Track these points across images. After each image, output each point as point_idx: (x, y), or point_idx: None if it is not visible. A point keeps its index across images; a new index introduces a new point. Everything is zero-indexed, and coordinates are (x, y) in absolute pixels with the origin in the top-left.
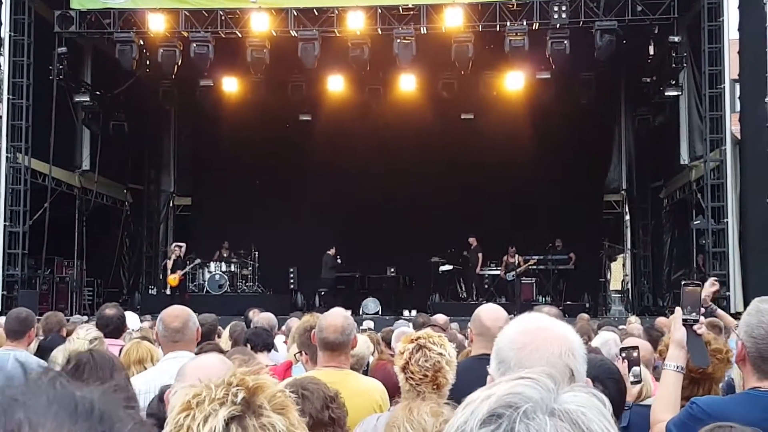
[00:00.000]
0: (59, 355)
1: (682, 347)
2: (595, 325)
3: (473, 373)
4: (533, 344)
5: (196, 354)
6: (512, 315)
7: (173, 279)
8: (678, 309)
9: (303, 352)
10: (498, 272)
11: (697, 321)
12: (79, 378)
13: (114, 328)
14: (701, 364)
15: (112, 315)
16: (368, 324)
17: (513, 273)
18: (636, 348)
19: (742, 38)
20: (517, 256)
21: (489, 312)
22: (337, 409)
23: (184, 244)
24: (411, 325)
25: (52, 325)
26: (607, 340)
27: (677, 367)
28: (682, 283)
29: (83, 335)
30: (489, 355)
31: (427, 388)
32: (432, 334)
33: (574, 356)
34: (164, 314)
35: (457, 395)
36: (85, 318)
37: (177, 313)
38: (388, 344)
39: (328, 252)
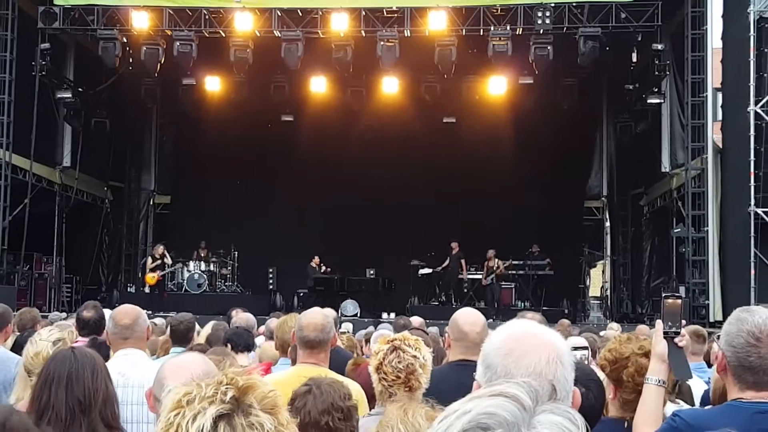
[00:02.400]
0: (25, 357)
1: (664, 361)
2: (576, 332)
3: (449, 379)
4: (520, 350)
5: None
6: (491, 320)
7: (151, 278)
8: (659, 322)
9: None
10: (478, 276)
11: (678, 333)
12: (61, 379)
13: (91, 331)
14: (683, 377)
15: (89, 317)
16: (347, 326)
17: (492, 276)
18: (679, 296)
19: (726, 47)
20: (496, 259)
21: (466, 316)
22: (339, 421)
23: (163, 246)
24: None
25: (26, 321)
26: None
27: (658, 381)
28: (663, 295)
29: (46, 336)
30: (466, 360)
31: (399, 389)
32: (408, 336)
33: (562, 363)
34: (115, 312)
35: (436, 400)
36: (64, 315)
37: (127, 310)
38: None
39: (311, 264)
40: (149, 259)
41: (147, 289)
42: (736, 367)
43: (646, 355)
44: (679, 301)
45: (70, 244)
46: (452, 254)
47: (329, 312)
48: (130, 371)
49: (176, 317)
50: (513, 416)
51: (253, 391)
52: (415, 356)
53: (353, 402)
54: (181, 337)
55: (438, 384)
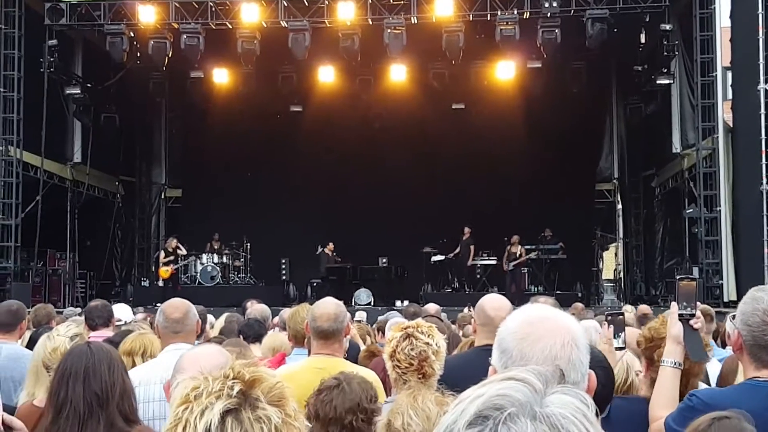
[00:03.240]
0: (40, 350)
1: (679, 343)
2: (591, 315)
3: (475, 364)
4: (535, 334)
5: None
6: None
7: (165, 271)
8: (674, 304)
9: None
10: (491, 262)
11: (693, 316)
12: (78, 374)
13: (101, 323)
14: (699, 359)
15: (98, 305)
16: (360, 315)
17: (513, 263)
18: (621, 313)
19: (734, 26)
20: (519, 246)
21: (492, 302)
22: (362, 422)
23: (175, 239)
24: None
25: (41, 317)
26: (587, 328)
27: (674, 363)
28: (677, 278)
29: (63, 332)
30: (492, 345)
31: (413, 377)
32: (421, 323)
33: (577, 347)
34: (165, 306)
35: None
36: (78, 310)
37: (177, 304)
38: (383, 334)
39: (325, 250)
40: (162, 253)
41: (161, 283)
42: (752, 346)
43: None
44: (694, 283)
45: (83, 239)
46: (462, 240)
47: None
48: None
49: None
50: (525, 397)
51: (260, 384)
52: (427, 343)
53: (378, 405)
54: None
55: (463, 369)
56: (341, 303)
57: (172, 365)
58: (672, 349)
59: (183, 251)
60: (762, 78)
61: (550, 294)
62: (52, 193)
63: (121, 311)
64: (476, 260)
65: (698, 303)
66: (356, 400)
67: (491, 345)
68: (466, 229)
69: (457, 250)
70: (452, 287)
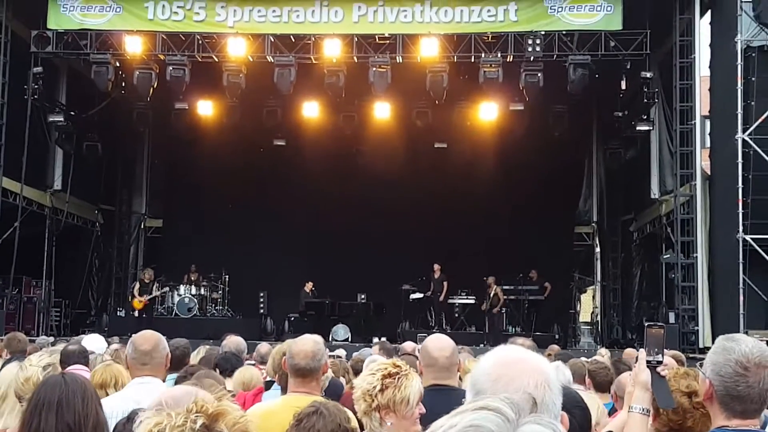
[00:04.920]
0: (7, 376)
1: (647, 389)
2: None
3: (424, 404)
4: (508, 375)
5: (179, 377)
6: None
7: (138, 302)
8: (642, 351)
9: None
10: (469, 301)
11: (660, 363)
12: (51, 404)
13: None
14: (666, 406)
15: (74, 349)
16: (340, 352)
17: (489, 303)
18: (662, 325)
19: (713, 75)
20: (495, 286)
21: (435, 342)
22: None
23: (152, 270)
24: (373, 351)
25: (14, 346)
26: (557, 366)
27: (643, 410)
28: (646, 324)
29: (36, 362)
30: (438, 385)
31: (390, 417)
32: (399, 363)
33: (550, 388)
34: (135, 337)
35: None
36: (51, 339)
37: (147, 336)
38: (357, 373)
39: (305, 289)
40: (137, 284)
41: (137, 314)
42: (723, 396)
43: (690, 395)
44: (662, 330)
45: (60, 267)
46: (435, 278)
47: (319, 338)
48: (145, 400)
49: (171, 343)
50: (498, 427)
51: (224, 418)
52: (406, 384)
53: (354, 425)
54: (177, 363)
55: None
56: (320, 341)
57: (138, 399)
58: (640, 395)
59: (156, 291)
60: (740, 127)
61: (527, 335)
62: (30, 220)
63: (94, 342)
64: (454, 299)
65: (665, 351)
66: (337, 421)
67: (437, 385)
68: (436, 266)
69: (431, 287)
70: (431, 325)
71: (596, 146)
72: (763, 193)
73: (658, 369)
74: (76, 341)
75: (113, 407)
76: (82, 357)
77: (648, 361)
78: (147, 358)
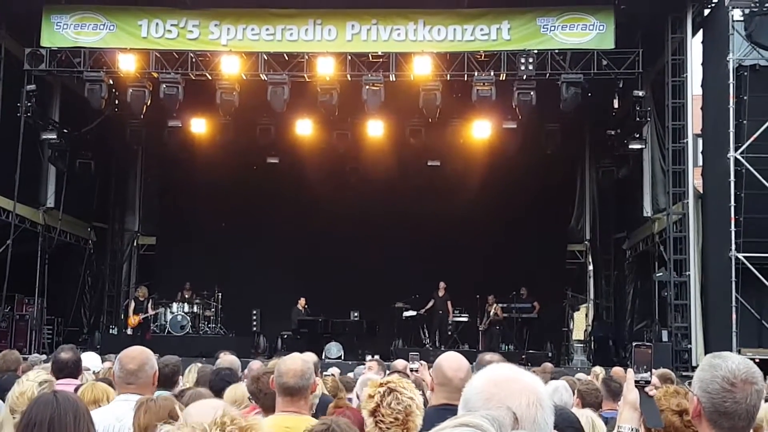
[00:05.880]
0: (10, 397)
1: (636, 409)
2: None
3: (433, 422)
4: (501, 395)
5: (177, 397)
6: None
7: (133, 320)
8: (630, 371)
9: (253, 401)
10: (463, 319)
11: (649, 382)
12: (43, 424)
13: (68, 373)
14: (654, 425)
15: (67, 359)
16: (333, 370)
17: (487, 321)
18: (649, 345)
19: (705, 94)
20: (495, 305)
21: (450, 362)
22: None
23: (146, 288)
24: (366, 370)
25: (9, 363)
26: (557, 388)
27: (632, 429)
28: (633, 344)
29: (33, 377)
30: (449, 405)
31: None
32: (401, 379)
33: (542, 407)
34: (122, 354)
35: None
36: (44, 357)
37: (134, 354)
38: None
39: (297, 306)
40: (132, 302)
41: (129, 331)
42: (712, 413)
43: (681, 414)
44: (649, 350)
45: (53, 285)
46: (439, 296)
47: (310, 357)
48: (126, 416)
49: (162, 360)
50: None
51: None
52: (411, 398)
53: None
54: (166, 380)
55: (425, 427)
56: (309, 360)
57: (119, 414)
58: (628, 415)
59: (150, 310)
60: (732, 146)
61: (521, 353)
62: (23, 238)
63: (90, 360)
64: (449, 316)
65: (653, 370)
66: None
67: (448, 404)
68: (441, 285)
69: (430, 305)
70: (424, 343)
71: (589, 164)
72: (756, 211)
73: (646, 389)
74: (69, 347)
75: (96, 422)
76: (75, 368)
77: (636, 381)
78: (132, 378)
